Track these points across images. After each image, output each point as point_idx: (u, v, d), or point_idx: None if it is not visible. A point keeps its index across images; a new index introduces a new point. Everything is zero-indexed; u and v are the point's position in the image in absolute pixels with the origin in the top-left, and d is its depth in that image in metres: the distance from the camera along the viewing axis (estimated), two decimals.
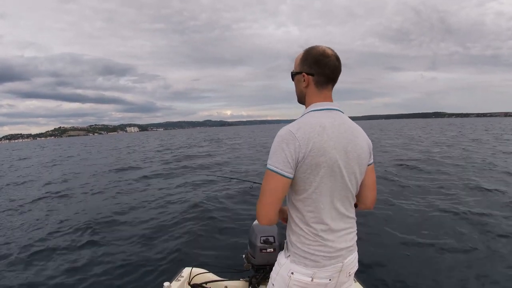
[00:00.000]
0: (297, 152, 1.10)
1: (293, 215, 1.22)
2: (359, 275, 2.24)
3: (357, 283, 2.09)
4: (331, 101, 1.24)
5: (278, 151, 1.11)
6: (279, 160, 1.11)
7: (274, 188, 1.13)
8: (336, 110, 1.22)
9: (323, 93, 1.23)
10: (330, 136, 1.13)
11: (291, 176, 1.12)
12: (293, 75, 1.28)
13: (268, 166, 1.13)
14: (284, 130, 1.14)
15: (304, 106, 1.29)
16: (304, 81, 1.23)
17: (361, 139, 1.23)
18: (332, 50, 1.21)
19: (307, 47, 1.23)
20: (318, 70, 1.20)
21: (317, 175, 1.13)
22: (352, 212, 1.27)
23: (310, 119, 1.16)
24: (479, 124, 57.85)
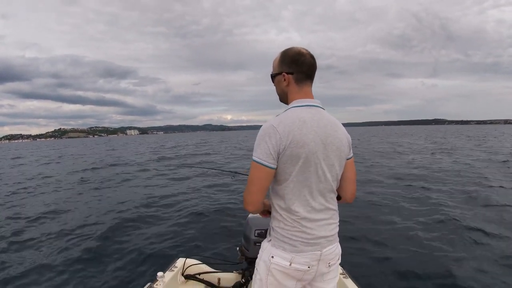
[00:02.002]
0: (278, 144, 1.16)
1: (274, 202, 1.28)
2: (352, 270, 2.26)
3: (349, 279, 2.10)
4: (312, 97, 1.30)
5: (261, 143, 1.18)
6: (262, 152, 1.18)
7: (259, 178, 1.21)
8: (317, 106, 1.28)
9: (303, 89, 1.29)
10: (309, 129, 1.20)
11: (274, 166, 1.19)
12: (273, 76, 1.35)
13: (253, 158, 1.20)
14: (266, 124, 1.21)
15: (284, 105, 1.35)
16: (284, 80, 1.29)
17: (340, 133, 1.28)
18: (307, 50, 1.29)
19: (283, 50, 1.31)
20: (297, 68, 1.27)
21: (296, 165, 1.19)
22: (333, 204, 1.31)
23: (291, 114, 1.23)
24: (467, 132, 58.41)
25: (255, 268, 1.36)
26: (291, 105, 1.28)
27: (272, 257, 1.26)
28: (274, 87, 1.38)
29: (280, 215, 1.25)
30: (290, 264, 1.23)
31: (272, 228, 1.29)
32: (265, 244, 1.33)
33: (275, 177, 1.23)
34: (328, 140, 1.23)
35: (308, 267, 1.25)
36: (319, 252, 1.25)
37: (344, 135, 1.29)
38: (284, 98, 1.34)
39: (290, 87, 1.30)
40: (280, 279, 1.25)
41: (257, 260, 1.36)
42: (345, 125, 1.38)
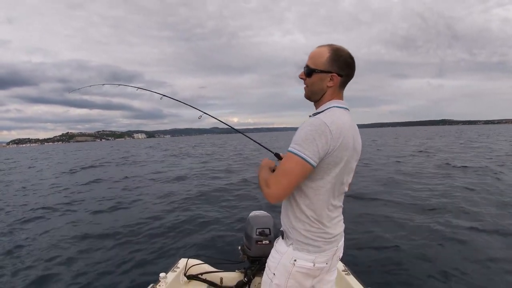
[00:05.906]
0: (329, 145, 1.12)
1: (301, 201, 1.23)
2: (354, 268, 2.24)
3: (351, 276, 2.08)
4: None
5: (310, 139, 1.11)
6: (309, 148, 1.10)
7: (296, 173, 1.12)
8: (348, 109, 1.29)
9: (341, 92, 1.28)
10: (350, 133, 1.20)
11: (315, 165, 1.13)
12: (315, 71, 1.24)
13: (295, 151, 1.12)
14: (318, 120, 1.14)
15: (308, 102, 1.32)
16: (330, 80, 1.22)
17: (360, 139, 1.32)
18: None
19: (332, 46, 1.23)
20: (348, 72, 1.24)
21: (337, 167, 1.18)
22: (342, 201, 1.35)
23: (340, 115, 1.20)
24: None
25: (270, 272, 1.32)
26: (332, 104, 1.24)
27: (295, 260, 1.24)
28: (304, 80, 1.28)
29: (307, 216, 1.22)
30: (314, 265, 1.25)
31: (295, 229, 1.25)
32: (283, 248, 1.28)
33: (311, 174, 1.17)
34: (356, 145, 1.25)
35: (326, 263, 1.28)
36: (335, 248, 1.29)
37: (361, 141, 1.33)
38: (316, 96, 1.28)
39: (333, 88, 1.24)
40: (301, 280, 1.27)
41: (270, 263, 1.33)
42: None
